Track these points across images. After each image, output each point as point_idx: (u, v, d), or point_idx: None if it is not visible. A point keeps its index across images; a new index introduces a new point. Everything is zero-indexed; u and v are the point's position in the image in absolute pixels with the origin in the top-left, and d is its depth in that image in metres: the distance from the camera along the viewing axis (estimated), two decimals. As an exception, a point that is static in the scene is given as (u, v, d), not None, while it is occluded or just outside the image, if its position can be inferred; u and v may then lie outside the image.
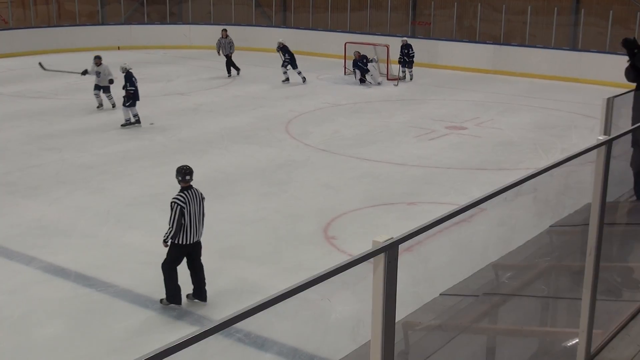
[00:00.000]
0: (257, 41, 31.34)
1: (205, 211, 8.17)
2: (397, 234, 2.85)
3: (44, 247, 9.78)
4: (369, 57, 23.44)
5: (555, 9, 25.08)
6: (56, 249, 9.80)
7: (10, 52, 27.67)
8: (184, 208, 7.80)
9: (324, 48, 29.43)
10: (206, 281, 8.27)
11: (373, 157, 14.43)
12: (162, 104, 19.63)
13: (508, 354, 5.19)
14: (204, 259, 9.57)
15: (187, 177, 7.99)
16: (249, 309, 2.31)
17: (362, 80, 22.89)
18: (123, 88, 16.74)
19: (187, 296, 8.18)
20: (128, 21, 31.98)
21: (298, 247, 9.98)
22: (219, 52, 24.41)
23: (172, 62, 27.49)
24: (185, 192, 7.93)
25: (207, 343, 2.23)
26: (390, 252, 2.78)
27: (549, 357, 5.36)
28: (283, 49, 23.31)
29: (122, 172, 13.26)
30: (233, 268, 9.26)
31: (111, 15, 32.13)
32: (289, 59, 23.13)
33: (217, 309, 8.01)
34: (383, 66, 24.71)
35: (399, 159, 14.36)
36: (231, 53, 24.32)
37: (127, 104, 16.77)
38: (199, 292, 8.20)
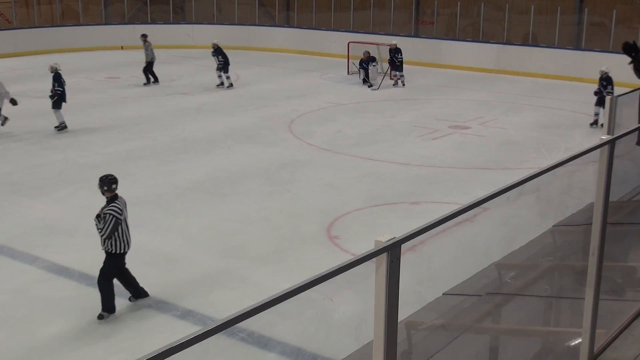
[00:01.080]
0: (260, 41, 31.39)
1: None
2: (400, 233, 2.85)
3: (47, 247, 9.79)
4: (376, 59, 23.51)
5: (559, 8, 25.06)
6: (59, 248, 9.82)
7: (13, 51, 27.73)
8: (120, 219, 7.72)
9: (327, 47, 29.45)
10: (206, 280, 8.27)
11: (376, 157, 14.43)
12: (165, 104, 19.66)
13: (511, 354, 5.18)
14: (207, 258, 9.62)
15: (114, 186, 7.85)
16: (251, 308, 2.31)
17: (365, 81, 22.88)
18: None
19: (130, 299, 8.20)
20: (131, 21, 32.01)
21: (301, 246, 9.98)
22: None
23: (175, 62, 27.51)
24: (117, 201, 7.81)
25: (210, 342, 2.23)
26: (392, 251, 2.78)
27: (552, 357, 5.35)
28: (217, 51, 22.33)
29: (125, 172, 13.25)
30: (236, 267, 9.26)
31: (114, 14, 32.18)
32: (223, 62, 22.18)
33: (220, 309, 8.01)
34: (386, 66, 24.72)
35: (402, 158, 14.36)
36: (150, 60, 22.48)
37: (54, 106, 16.31)
38: (138, 291, 8.22)
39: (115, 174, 12.87)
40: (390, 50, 23.13)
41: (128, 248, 7.94)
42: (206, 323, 7.60)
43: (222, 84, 22.38)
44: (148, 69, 22.64)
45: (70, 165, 13.67)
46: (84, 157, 14.25)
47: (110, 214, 7.66)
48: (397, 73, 23.13)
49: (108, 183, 7.81)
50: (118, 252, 7.85)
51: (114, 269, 7.95)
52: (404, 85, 23.05)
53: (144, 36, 23.04)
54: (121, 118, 17.79)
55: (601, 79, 17.06)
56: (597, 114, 17.03)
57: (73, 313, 8.02)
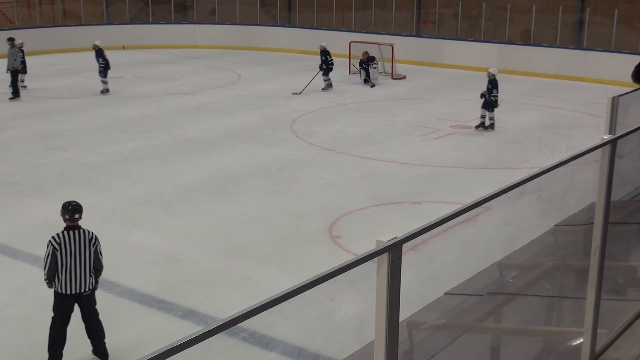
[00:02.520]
0: (262, 41, 31.39)
1: (98, 254, 6.90)
2: (401, 233, 2.85)
3: (49, 247, 9.79)
4: (376, 58, 23.46)
5: (560, 7, 25.04)
6: (61, 248, 9.81)
7: (15, 51, 27.70)
8: (57, 250, 6.64)
9: (329, 47, 29.30)
10: (207, 280, 8.21)
11: (378, 157, 14.43)
12: (166, 104, 19.66)
13: (513, 354, 5.18)
14: (208, 258, 9.60)
15: (76, 216, 6.78)
16: (253, 308, 2.31)
17: (367, 81, 22.89)
18: None
19: (92, 351, 7.18)
20: (133, 21, 32.03)
21: (303, 246, 9.98)
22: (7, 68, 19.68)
23: (177, 62, 27.53)
24: (67, 232, 6.73)
25: (212, 342, 2.23)
26: (394, 251, 2.78)
27: (554, 357, 5.35)
28: (98, 52, 20.62)
29: (127, 172, 13.29)
30: (238, 267, 9.27)
31: (116, 14, 32.19)
32: (104, 65, 20.53)
33: (222, 308, 8.02)
34: (388, 65, 24.72)
35: (404, 158, 14.36)
36: (17, 68, 19.63)
37: None
38: (98, 350, 7.12)
39: (117, 174, 13.05)
40: (320, 53, 21.97)
41: (66, 291, 6.74)
42: (208, 323, 7.61)
43: (107, 90, 20.82)
44: (13, 79, 19.58)
45: (72, 165, 13.68)
46: (85, 157, 14.25)
47: (48, 241, 6.71)
48: (323, 77, 21.81)
49: (70, 211, 6.77)
50: (57, 290, 6.80)
51: (57, 310, 6.89)
52: (322, 88, 21.78)
53: (11, 40, 19.96)
54: (123, 118, 17.80)
55: (488, 81, 16.64)
56: (483, 117, 16.78)
57: (75, 313, 8.00)
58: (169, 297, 8.37)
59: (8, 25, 29.12)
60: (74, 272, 6.69)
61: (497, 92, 16.56)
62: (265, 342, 7.34)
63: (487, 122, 16.72)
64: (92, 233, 6.87)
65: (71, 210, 6.78)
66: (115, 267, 9.16)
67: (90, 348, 7.14)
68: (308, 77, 21.97)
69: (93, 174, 13.14)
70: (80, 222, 6.84)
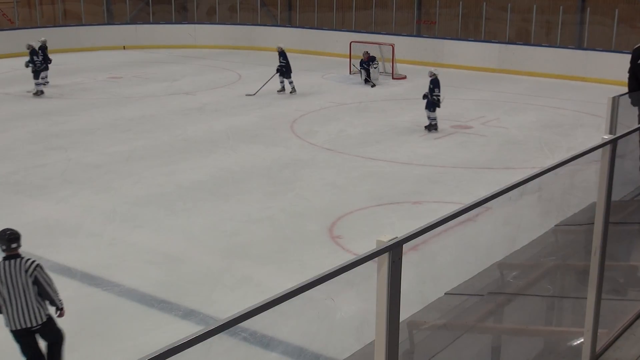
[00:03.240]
0: (262, 41, 31.38)
1: (42, 284, 6.27)
2: (402, 233, 2.85)
3: (49, 247, 9.79)
4: (376, 58, 23.47)
5: (561, 7, 25.04)
6: (62, 248, 9.82)
7: (16, 52, 27.71)
8: None
9: (329, 47, 29.46)
10: (208, 280, 8.18)
11: (378, 156, 14.43)
12: (167, 103, 19.67)
13: (513, 353, 5.18)
14: (209, 257, 9.60)
15: (13, 245, 6.21)
16: (254, 308, 2.31)
17: (367, 81, 22.90)
18: None
19: None
20: (133, 21, 32.05)
21: (303, 246, 9.98)
22: None
23: (178, 62, 27.54)
24: (4, 262, 6.16)
25: (212, 342, 2.23)
26: (394, 251, 2.78)
27: (554, 357, 5.35)
28: (32, 52, 20.08)
29: (127, 172, 13.29)
30: (238, 267, 9.27)
31: (117, 14, 32.22)
32: (40, 63, 19.99)
33: (222, 308, 8.02)
34: (389, 65, 24.72)
35: (405, 158, 14.36)
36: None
37: None
38: None
39: (117, 174, 13.06)
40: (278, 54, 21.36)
41: (12, 327, 6.18)
42: (208, 323, 7.61)
43: (41, 92, 20.18)
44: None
45: (72, 165, 13.68)
46: (86, 157, 14.26)
47: None
48: (282, 78, 21.26)
49: (7, 241, 6.19)
50: (8, 328, 6.24)
51: (21, 347, 6.33)
52: (291, 91, 21.28)
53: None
54: (123, 118, 17.80)
55: (430, 81, 16.43)
56: (429, 117, 16.69)
57: (75, 313, 8.00)
58: (169, 297, 8.37)
59: (8, 25, 29.14)
60: (15, 305, 6.11)
61: (439, 92, 16.49)
62: (265, 342, 7.34)
63: (433, 122, 16.64)
64: (31, 261, 6.20)
65: (7, 240, 6.20)
66: (115, 267, 9.17)
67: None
68: (308, 77, 22.00)
69: (94, 174, 13.15)
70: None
